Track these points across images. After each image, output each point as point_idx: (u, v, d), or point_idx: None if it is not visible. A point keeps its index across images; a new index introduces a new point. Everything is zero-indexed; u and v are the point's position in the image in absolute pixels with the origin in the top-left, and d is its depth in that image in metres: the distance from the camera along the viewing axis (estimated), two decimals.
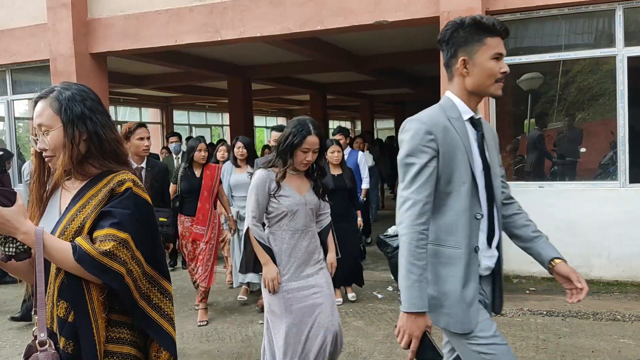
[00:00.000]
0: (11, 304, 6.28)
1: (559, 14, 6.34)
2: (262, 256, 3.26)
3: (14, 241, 1.66)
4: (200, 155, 5.61)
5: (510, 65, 7.31)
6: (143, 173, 4.63)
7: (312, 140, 3.19)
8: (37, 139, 1.79)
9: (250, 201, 3.25)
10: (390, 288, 6.46)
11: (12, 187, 1.66)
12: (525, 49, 6.59)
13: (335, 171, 5.98)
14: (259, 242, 3.24)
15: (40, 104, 1.79)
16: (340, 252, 5.30)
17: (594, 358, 4.28)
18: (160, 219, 4.53)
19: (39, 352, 1.64)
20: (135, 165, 4.34)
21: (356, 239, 6.26)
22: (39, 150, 1.80)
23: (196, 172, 5.67)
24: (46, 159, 1.80)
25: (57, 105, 1.76)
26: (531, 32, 6.57)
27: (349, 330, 4.99)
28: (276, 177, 3.22)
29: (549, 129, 7.08)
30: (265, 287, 3.27)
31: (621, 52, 6.15)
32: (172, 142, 9.13)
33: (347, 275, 5.92)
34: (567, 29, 6.46)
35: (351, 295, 6.08)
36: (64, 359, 1.67)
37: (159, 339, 1.77)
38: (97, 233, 1.69)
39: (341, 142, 6.64)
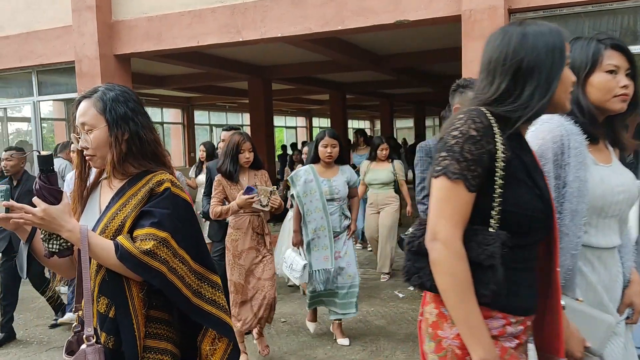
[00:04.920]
0: (37, 301, 6.40)
1: (582, 11, 6.27)
2: None
3: (58, 238, 1.71)
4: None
5: None
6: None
7: None
8: (79, 137, 1.81)
9: None
10: (411, 288, 6.44)
11: (59, 186, 1.70)
12: None
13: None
14: None
15: (83, 104, 1.82)
16: None
17: None
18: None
19: (86, 347, 1.67)
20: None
21: None
22: (80, 149, 1.83)
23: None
24: (87, 157, 1.83)
25: (101, 105, 1.79)
26: None
27: (370, 329, 5.00)
28: None
29: None
30: None
31: None
32: None
33: None
34: (590, 26, 6.38)
35: None
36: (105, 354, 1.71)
37: (217, 328, 1.84)
38: (138, 232, 1.73)
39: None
